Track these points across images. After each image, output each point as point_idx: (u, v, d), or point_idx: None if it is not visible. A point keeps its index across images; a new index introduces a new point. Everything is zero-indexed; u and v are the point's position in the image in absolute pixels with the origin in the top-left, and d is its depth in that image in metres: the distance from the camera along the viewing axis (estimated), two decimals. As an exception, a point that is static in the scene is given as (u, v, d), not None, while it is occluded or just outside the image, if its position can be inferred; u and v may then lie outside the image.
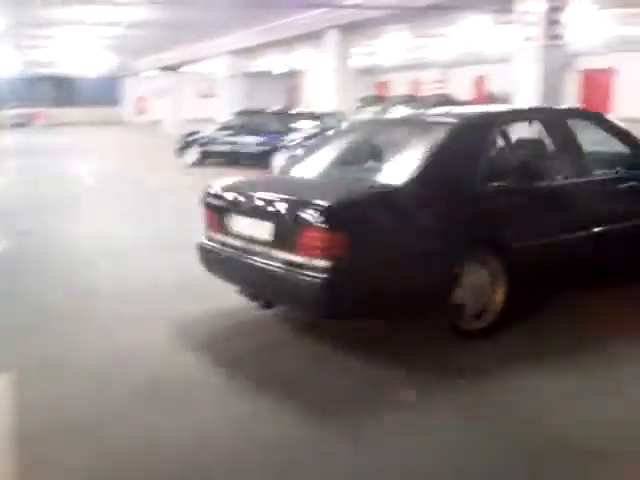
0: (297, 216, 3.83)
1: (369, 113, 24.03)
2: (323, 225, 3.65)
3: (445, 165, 4.09)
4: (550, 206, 4.45)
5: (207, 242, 4.61)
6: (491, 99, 25.29)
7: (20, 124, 36.14)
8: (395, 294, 3.83)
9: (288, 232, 3.90)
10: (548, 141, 4.83)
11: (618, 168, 4.92)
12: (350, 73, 16.80)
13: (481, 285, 4.11)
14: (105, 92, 40.82)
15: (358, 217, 3.83)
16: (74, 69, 35.48)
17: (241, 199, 4.35)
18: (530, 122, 4.95)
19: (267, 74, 40.09)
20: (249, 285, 4.47)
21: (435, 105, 32.13)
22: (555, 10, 9.70)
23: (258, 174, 6.06)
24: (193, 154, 15.41)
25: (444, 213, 4.03)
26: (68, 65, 34.25)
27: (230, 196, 4.47)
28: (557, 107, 7.34)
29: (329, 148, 5.16)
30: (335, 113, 14.85)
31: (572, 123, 4.88)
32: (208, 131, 15.69)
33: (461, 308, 4.04)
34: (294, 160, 5.44)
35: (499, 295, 4.17)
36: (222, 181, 4.76)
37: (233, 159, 14.87)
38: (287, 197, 4.09)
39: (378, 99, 36.63)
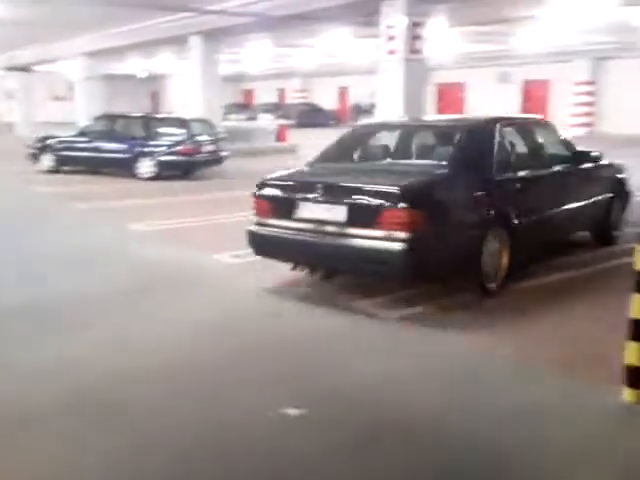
0: (375, 199, 4.80)
1: (234, 120, 23.89)
2: (404, 205, 4.63)
3: (472, 158, 5.35)
4: (534, 191, 5.78)
5: (259, 228, 5.47)
6: (357, 109, 25.98)
7: None
8: (450, 259, 4.97)
9: (365, 212, 4.85)
10: (527, 142, 6.17)
11: (565, 164, 6.31)
12: (216, 80, 16.58)
13: (494, 252, 5.21)
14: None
15: (429, 197, 4.93)
16: None
17: (307, 189, 5.19)
18: (514, 127, 6.13)
19: (130, 77, 38.67)
20: (318, 260, 5.38)
21: (302, 113, 32.98)
22: (416, 25, 10.15)
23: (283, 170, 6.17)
24: (48, 160, 14.42)
25: (477, 194, 5.20)
26: None
27: (292, 188, 5.40)
28: (528, 116, 9.02)
29: (352, 146, 6.35)
30: (203, 120, 14.56)
31: (537, 130, 6.40)
32: (65, 135, 14.75)
33: (484, 271, 5.15)
34: (325, 155, 6.10)
35: (505, 260, 5.33)
36: (273, 177, 5.69)
37: (93, 166, 14.11)
38: (361, 185, 5.03)
39: (243, 107, 36.61)
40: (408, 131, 6.51)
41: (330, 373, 3.96)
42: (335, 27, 16.23)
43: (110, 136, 13.97)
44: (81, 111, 22.42)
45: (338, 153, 6.15)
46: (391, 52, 10.34)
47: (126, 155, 13.56)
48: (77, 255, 7.00)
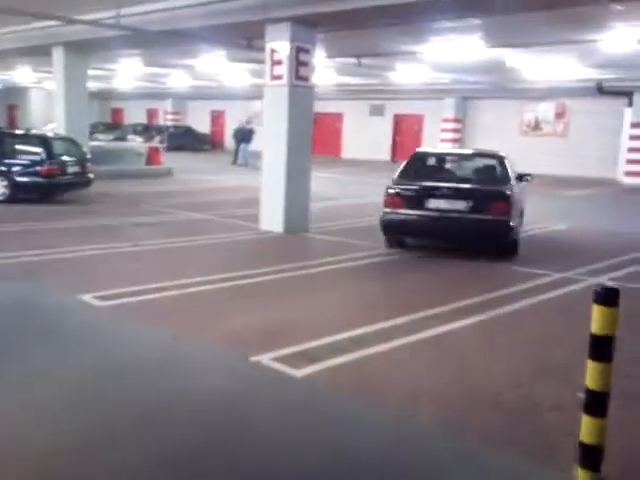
0: (487, 197, 8.37)
1: (101, 140, 22.54)
2: (504, 201, 8.21)
3: (505, 175, 9.00)
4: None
5: (393, 216, 8.54)
6: (240, 134, 25.42)
7: None
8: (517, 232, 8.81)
9: (480, 204, 8.23)
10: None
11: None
12: (83, 96, 15.34)
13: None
14: None
15: (511, 196, 8.29)
16: None
17: (433, 190, 8.46)
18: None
19: (-19, 89, 35.52)
20: (443, 234, 8.74)
21: (174, 136, 31.82)
22: (302, 51, 9.82)
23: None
24: None
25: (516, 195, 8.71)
26: None
27: (421, 189, 8.58)
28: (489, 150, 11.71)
29: (420, 167, 9.58)
30: (67, 138, 13.31)
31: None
32: None
33: None
34: (404, 174, 9.06)
35: None
36: (400, 183, 8.77)
37: None
38: (477, 187, 8.71)
39: (111, 126, 34.77)
40: (455, 157, 10.96)
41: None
42: (215, 48, 15.62)
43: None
44: None
45: (414, 172, 9.10)
46: (276, 77, 9.92)
47: (-27, 174, 12.05)
48: None
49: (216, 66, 19.89)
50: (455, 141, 26.74)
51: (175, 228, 10.29)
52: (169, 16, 11.62)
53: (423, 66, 18.01)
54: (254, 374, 4.26)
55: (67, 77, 14.74)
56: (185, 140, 32.29)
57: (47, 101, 37.70)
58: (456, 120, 26.96)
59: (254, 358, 4.43)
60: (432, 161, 10.07)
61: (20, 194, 11.97)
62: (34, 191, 12.19)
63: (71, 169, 12.52)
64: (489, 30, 12.57)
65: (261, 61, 19.03)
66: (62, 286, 6.33)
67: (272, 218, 10.17)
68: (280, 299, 6.19)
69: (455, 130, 26.96)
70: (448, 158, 10.46)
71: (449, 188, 8.41)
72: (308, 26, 9.91)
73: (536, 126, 25.32)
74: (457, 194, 8.32)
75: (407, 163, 9.31)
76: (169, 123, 36.14)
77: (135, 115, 39.71)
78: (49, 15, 11.45)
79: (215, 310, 5.73)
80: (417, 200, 8.37)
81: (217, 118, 37.20)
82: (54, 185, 12.26)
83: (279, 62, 9.87)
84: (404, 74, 19.45)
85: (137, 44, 14.28)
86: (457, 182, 8.84)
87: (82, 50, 14.83)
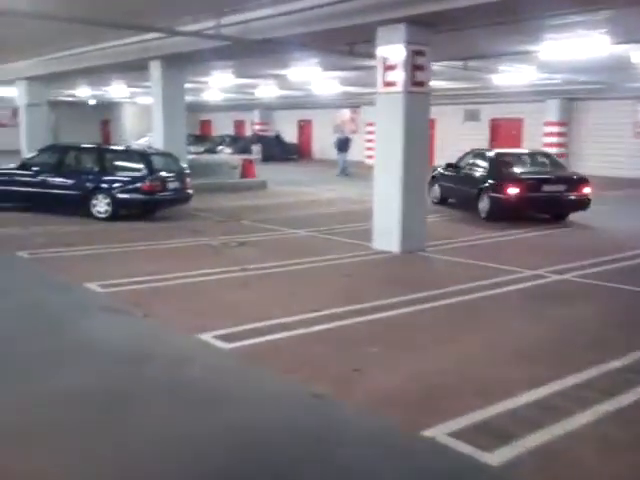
0: (578, 181, 12.80)
1: (194, 153, 22.54)
2: (587, 183, 12.71)
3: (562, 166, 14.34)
4: None
5: (516, 199, 12.17)
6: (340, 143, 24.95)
7: None
8: None
9: (572, 186, 12.63)
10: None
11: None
12: (181, 109, 15.11)
13: None
14: None
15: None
16: None
17: (545, 180, 12.52)
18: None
19: (79, 104, 36.70)
20: (548, 207, 12.83)
21: (263, 147, 31.63)
22: (417, 55, 9.00)
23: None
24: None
25: None
26: None
27: (536, 180, 12.52)
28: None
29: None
30: (166, 153, 13.03)
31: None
32: (4, 168, 12.99)
33: None
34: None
35: None
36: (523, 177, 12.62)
37: (38, 203, 12.38)
38: (571, 176, 13.33)
39: (201, 138, 35.02)
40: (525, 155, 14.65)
41: None
42: (314, 56, 15.02)
43: (59, 169, 12.31)
44: (25, 139, 20.56)
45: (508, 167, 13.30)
46: (389, 84, 9.14)
47: (78, 192, 11.90)
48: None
49: (308, 75, 19.38)
50: (560, 145, 25.06)
51: (279, 247, 9.67)
52: (269, 24, 11.07)
53: (530, 67, 16.79)
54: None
55: (164, 91, 14.51)
56: (274, 150, 32.03)
57: (139, 116, 38.67)
58: (561, 123, 25.26)
59: (439, 437, 3.48)
60: (511, 159, 13.83)
61: (122, 211, 11.74)
62: (135, 208, 11.94)
63: (172, 185, 12.19)
64: (616, 24, 11.34)
65: (357, 68, 18.66)
66: (176, 321, 5.75)
67: (386, 235, 9.36)
68: (433, 342, 5.34)
69: (560, 134, 25.27)
70: (522, 156, 14.51)
71: (556, 177, 12.86)
72: (424, 26, 9.06)
73: (654, 126, 23.34)
74: (560, 181, 12.67)
75: (497, 162, 13.35)
76: (260, 133, 36.05)
77: (223, 126, 40.04)
78: (152, 27, 11.14)
79: (355, 358, 4.89)
80: (536, 186, 12.33)
81: (304, 127, 36.87)
82: (155, 202, 11.96)
83: (392, 67, 9.08)
84: (507, 76, 18.23)
85: (234, 55, 13.84)
86: (545, 173, 13.14)
87: (179, 63, 14.57)
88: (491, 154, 13.85)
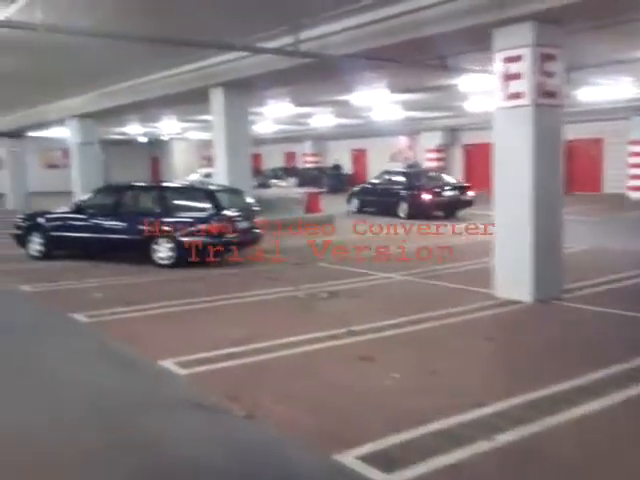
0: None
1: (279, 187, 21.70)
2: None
3: None
4: None
5: None
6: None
7: None
8: None
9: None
10: None
11: None
12: (245, 140, 13.73)
13: None
14: None
15: None
16: None
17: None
18: None
19: (128, 142, 36.15)
20: None
21: (320, 179, 30.20)
22: (547, 59, 7.36)
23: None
24: (39, 243, 11.39)
25: None
26: None
27: None
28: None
29: None
30: (233, 189, 11.62)
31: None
32: (58, 212, 11.78)
33: None
34: None
35: None
36: None
37: (93, 251, 11.10)
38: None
39: (254, 172, 33.76)
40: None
41: None
42: (389, 75, 13.55)
43: (115, 212, 11.00)
44: (77, 179, 19.58)
45: None
46: (512, 96, 7.48)
47: (136, 236, 10.53)
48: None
49: (372, 99, 17.98)
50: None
51: (379, 298, 8.01)
52: (351, 37, 9.64)
53: (627, 78, 14.96)
54: None
55: (227, 119, 13.16)
56: (332, 181, 30.60)
57: (188, 152, 37.97)
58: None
59: None
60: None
61: (186, 257, 10.27)
62: (201, 253, 10.41)
63: (240, 224, 10.72)
64: None
65: (427, 89, 17.14)
66: (297, 425, 4.08)
67: (513, 280, 7.60)
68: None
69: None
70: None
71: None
72: (554, 25, 7.41)
73: None
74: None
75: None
76: (310, 165, 34.73)
77: (272, 159, 38.92)
78: (231, 45, 9.76)
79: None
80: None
81: (358, 157, 35.42)
82: (224, 244, 10.46)
83: (516, 76, 7.42)
84: (598, 90, 16.38)
85: (305, 76, 12.37)
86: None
87: (241, 90, 13.22)
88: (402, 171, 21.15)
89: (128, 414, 4.37)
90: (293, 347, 5.77)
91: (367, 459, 3.56)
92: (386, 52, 9.72)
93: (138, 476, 3.50)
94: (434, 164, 29.41)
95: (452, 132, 29.99)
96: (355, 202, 20.56)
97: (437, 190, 18.14)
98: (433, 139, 30.19)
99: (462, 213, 18.31)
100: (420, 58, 10.64)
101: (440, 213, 18.04)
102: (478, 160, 27.21)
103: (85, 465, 3.62)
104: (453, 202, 18.26)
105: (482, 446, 3.69)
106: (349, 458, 3.58)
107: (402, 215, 18.05)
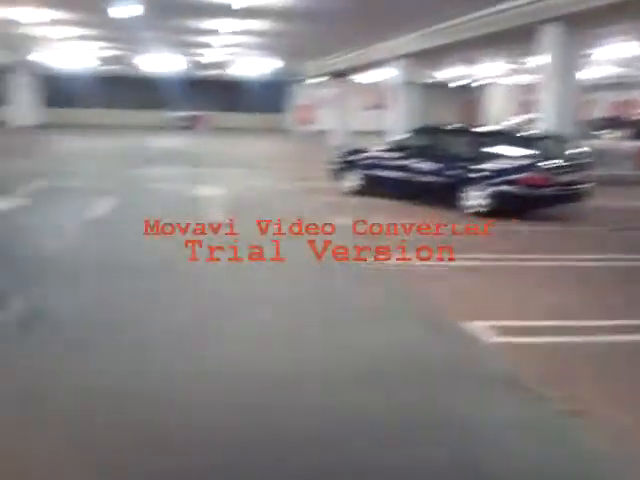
0: None
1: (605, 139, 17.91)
2: None
3: None
4: None
5: None
6: None
7: (184, 127, 35.11)
8: None
9: None
10: None
11: None
12: (573, 84, 12.26)
13: None
14: (270, 98, 38.54)
15: None
16: (240, 72, 33.59)
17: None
18: None
19: (442, 86, 35.80)
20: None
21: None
22: None
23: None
24: (353, 180, 11.74)
25: None
26: (234, 68, 32.43)
27: None
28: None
29: None
30: (557, 136, 10.44)
31: None
32: (373, 150, 11.96)
33: None
34: None
35: None
36: None
37: (403, 191, 10.99)
38: None
39: (609, 121, 29.84)
40: None
41: None
42: None
43: (425, 154, 10.71)
44: (396, 120, 19.92)
45: None
46: None
47: (449, 180, 10.13)
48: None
49: None
50: None
51: None
52: None
53: None
54: None
55: (557, 60, 11.83)
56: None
57: (503, 98, 36.26)
58: None
59: None
60: None
61: (497, 207, 9.53)
62: (512, 204, 9.56)
63: (563, 177, 9.57)
64: None
65: None
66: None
67: None
68: None
69: None
70: None
71: None
72: None
73: None
74: None
75: None
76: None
77: (596, 109, 34.91)
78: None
79: None
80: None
81: None
82: (537, 198, 9.45)
83: None
84: None
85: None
86: None
87: (578, 26, 11.70)
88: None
89: (428, 382, 3.96)
90: (623, 332, 4.79)
91: None
92: None
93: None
94: None
95: None
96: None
97: None
98: None
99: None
100: None
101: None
102: None
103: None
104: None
105: None
106: None
107: None
